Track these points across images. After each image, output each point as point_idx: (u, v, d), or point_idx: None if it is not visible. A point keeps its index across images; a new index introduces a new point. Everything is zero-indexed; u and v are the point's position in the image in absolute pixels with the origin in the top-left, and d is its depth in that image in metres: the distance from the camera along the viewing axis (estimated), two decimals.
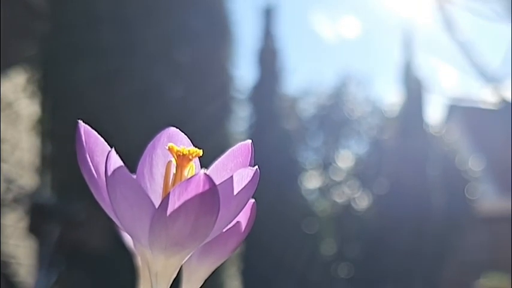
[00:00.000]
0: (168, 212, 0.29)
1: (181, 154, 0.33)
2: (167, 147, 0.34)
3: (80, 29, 2.54)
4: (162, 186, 0.34)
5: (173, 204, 0.28)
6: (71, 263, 2.26)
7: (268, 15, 6.04)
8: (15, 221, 2.65)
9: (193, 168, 0.34)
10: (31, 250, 2.75)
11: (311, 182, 6.88)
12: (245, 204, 0.33)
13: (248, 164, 0.34)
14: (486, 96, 8.80)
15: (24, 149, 2.93)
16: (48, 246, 2.07)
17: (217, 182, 0.29)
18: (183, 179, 0.33)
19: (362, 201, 6.53)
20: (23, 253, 2.78)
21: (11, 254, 2.66)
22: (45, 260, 2.03)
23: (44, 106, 2.68)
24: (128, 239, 0.42)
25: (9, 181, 2.63)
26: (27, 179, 2.84)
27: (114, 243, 2.24)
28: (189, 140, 0.36)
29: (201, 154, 0.34)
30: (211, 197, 0.29)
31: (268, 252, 5.06)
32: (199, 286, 0.37)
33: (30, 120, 2.74)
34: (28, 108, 2.80)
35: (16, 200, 2.54)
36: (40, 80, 2.64)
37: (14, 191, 2.58)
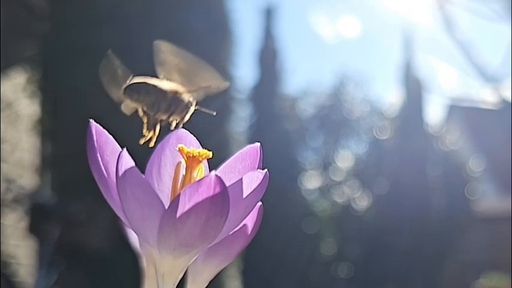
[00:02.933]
0: (178, 213, 0.29)
1: (191, 155, 0.33)
2: (177, 149, 0.34)
3: (80, 29, 2.54)
4: (170, 187, 0.34)
5: (183, 205, 0.28)
6: (71, 263, 2.26)
7: (268, 15, 6.04)
8: (15, 221, 2.64)
9: (202, 170, 0.34)
10: (31, 250, 2.75)
11: (311, 182, 6.88)
12: (254, 207, 0.33)
13: (256, 166, 0.34)
14: (486, 96, 8.80)
15: (24, 149, 2.92)
16: (48, 246, 2.07)
17: (226, 184, 0.29)
18: (192, 181, 0.33)
19: (362, 201, 6.53)
20: (23, 253, 2.78)
21: (11, 254, 2.66)
22: (45, 260, 2.03)
23: (44, 106, 2.68)
24: (133, 238, 0.42)
25: (9, 181, 2.63)
26: (27, 179, 2.84)
27: (114, 243, 2.24)
28: (198, 142, 0.36)
29: (210, 156, 0.33)
30: (221, 199, 0.29)
31: (268, 252, 5.06)
32: (204, 287, 0.37)
33: (30, 120, 2.74)
34: (28, 108, 2.80)
35: (16, 200, 2.54)
36: (40, 80, 2.64)
37: (14, 191, 2.57)
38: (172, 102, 0.33)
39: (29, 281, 2.62)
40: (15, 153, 2.87)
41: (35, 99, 2.70)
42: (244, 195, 0.31)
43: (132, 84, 0.33)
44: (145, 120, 0.34)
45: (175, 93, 0.34)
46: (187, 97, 0.34)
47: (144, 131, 0.34)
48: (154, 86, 0.33)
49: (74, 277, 2.36)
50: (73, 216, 2.18)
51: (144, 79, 0.34)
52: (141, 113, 0.33)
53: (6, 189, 2.57)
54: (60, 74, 2.57)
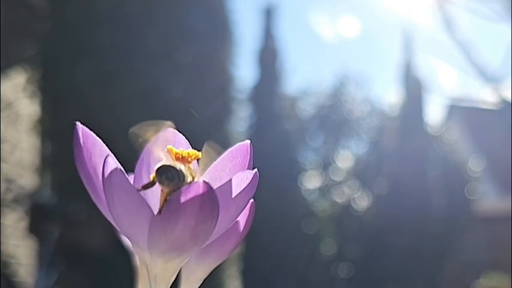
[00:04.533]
0: (167, 219, 0.28)
1: (180, 156, 0.33)
2: (166, 150, 0.33)
3: (80, 29, 2.54)
4: (159, 188, 0.34)
5: (172, 211, 0.28)
6: (70, 263, 2.26)
7: (268, 15, 6.04)
8: (15, 221, 2.65)
9: (191, 170, 0.33)
10: (31, 250, 2.75)
11: (311, 182, 6.87)
12: (244, 207, 0.32)
13: (247, 164, 0.34)
14: (486, 96, 8.81)
15: (24, 149, 2.93)
16: (48, 246, 2.07)
17: (216, 183, 0.29)
18: None
19: (362, 201, 6.53)
20: (23, 253, 2.78)
21: (11, 254, 2.66)
22: (45, 260, 2.03)
23: (44, 106, 2.68)
24: (126, 240, 0.42)
25: (9, 181, 2.63)
26: (27, 179, 2.84)
27: (113, 244, 2.24)
28: (187, 141, 0.36)
29: (200, 156, 0.33)
30: (210, 204, 0.28)
31: (268, 252, 5.06)
32: (198, 286, 0.37)
33: (30, 120, 2.74)
34: (28, 108, 2.80)
35: (16, 200, 2.54)
36: (40, 80, 2.64)
37: (14, 191, 2.57)
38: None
39: (29, 281, 2.62)
40: (15, 153, 2.87)
41: (35, 99, 2.70)
42: (234, 196, 0.31)
43: (167, 167, 0.32)
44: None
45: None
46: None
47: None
48: (183, 176, 0.33)
49: (74, 277, 2.36)
50: (73, 216, 2.18)
51: (178, 166, 0.33)
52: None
53: (6, 189, 2.57)
54: (60, 74, 2.57)
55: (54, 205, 2.25)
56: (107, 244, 2.29)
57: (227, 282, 2.90)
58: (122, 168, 0.30)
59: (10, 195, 2.55)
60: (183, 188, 0.28)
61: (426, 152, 6.06)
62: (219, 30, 2.79)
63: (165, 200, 0.31)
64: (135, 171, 0.35)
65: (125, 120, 2.40)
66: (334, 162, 7.70)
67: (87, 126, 0.32)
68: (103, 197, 0.31)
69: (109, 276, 2.36)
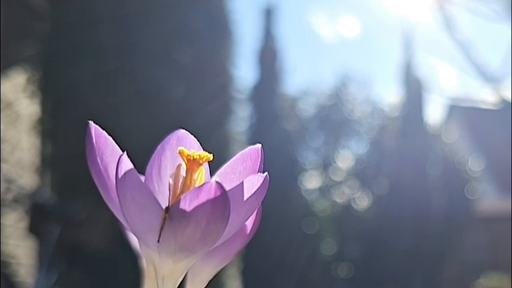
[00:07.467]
0: (178, 219, 0.28)
1: (191, 158, 0.32)
2: (177, 151, 0.33)
3: (80, 29, 2.54)
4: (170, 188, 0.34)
5: (183, 211, 0.28)
6: (71, 263, 2.26)
7: (268, 15, 6.05)
8: (15, 221, 2.64)
9: (203, 172, 0.33)
10: (31, 250, 2.75)
11: (311, 182, 6.87)
12: (254, 210, 0.32)
13: (257, 167, 0.34)
14: (486, 96, 8.82)
15: (24, 149, 2.92)
16: (48, 246, 2.07)
17: (226, 186, 0.28)
18: (192, 183, 0.33)
19: (362, 201, 6.53)
20: (23, 253, 2.78)
21: (11, 254, 2.66)
22: (45, 260, 2.03)
23: (44, 106, 2.68)
24: (133, 239, 0.42)
25: (9, 181, 2.62)
26: (27, 179, 2.84)
27: (114, 244, 2.24)
28: (198, 143, 0.36)
29: (211, 159, 0.33)
30: (222, 205, 0.28)
31: (268, 252, 5.06)
32: (203, 287, 0.37)
33: (30, 120, 2.74)
34: (28, 108, 2.80)
35: (16, 200, 2.54)
36: (40, 80, 2.64)
37: (14, 191, 2.57)
38: None
39: (29, 281, 2.62)
40: (15, 153, 2.87)
41: (35, 99, 2.70)
42: (245, 199, 0.30)
43: None
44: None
45: None
46: None
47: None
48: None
49: (74, 277, 2.36)
50: (73, 216, 2.18)
51: None
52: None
53: (6, 189, 2.57)
54: (60, 74, 2.57)
55: (54, 205, 2.25)
56: (107, 244, 2.29)
57: (227, 282, 2.90)
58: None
59: (10, 195, 2.55)
60: (194, 188, 0.28)
61: (426, 152, 6.06)
62: (219, 30, 2.80)
63: (177, 199, 0.31)
64: (146, 171, 0.35)
65: (125, 120, 2.40)
66: (334, 162, 7.69)
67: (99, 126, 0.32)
68: (114, 196, 0.31)
69: (109, 276, 2.36)
